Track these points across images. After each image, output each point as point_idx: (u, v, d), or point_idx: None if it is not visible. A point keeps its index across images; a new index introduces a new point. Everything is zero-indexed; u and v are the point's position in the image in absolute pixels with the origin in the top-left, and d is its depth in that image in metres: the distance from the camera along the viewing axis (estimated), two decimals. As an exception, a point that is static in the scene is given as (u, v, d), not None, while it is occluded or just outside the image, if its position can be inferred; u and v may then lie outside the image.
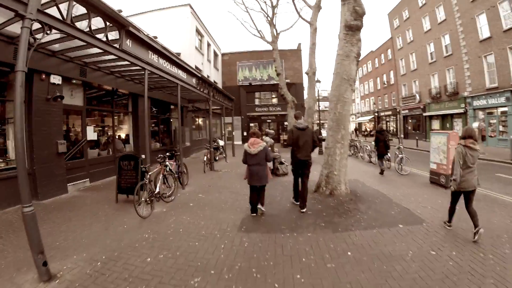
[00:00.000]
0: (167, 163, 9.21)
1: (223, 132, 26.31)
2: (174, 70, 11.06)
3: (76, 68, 10.20)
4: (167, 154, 9.66)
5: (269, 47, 24.45)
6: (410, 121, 40.49)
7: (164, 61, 10.04)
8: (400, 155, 13.23)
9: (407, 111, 39.89)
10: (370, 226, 6.19)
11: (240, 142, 35.59)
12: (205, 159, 13.98)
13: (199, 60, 27.42)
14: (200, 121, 28.23)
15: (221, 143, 19.98)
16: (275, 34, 23.65)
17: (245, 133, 36.44)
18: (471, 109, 27.12)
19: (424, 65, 34.76)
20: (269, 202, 8.08)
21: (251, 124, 37.14)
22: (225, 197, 8.99)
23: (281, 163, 12.82)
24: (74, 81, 10.60)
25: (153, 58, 9.18)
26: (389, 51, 44.95)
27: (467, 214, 5.61)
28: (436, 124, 33.80)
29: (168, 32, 23.68)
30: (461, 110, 28.31)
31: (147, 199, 7.39)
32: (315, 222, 6.52)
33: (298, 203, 7.63)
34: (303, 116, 10.89)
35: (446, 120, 31.51)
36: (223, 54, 37.86)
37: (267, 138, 12.37)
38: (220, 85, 35.69)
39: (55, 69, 9.29)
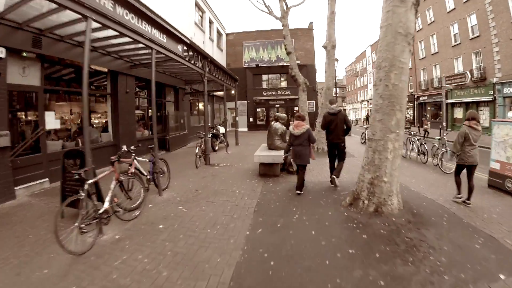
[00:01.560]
0: (135, 161, 6.75)
1: (227, 117, 23.68)
2: (145, 27, 7.53)
3: (27, 38, 7.72)
4: (133, 148, 7.05)
5: (278, 26, 22.11)
6: (429, 108, 37.69)
7: (126, 11, 6.57)
8: (443, 149, 10.68)
9: (425, 97, 37.09)
10: (459, 282, 3.57)
11: (246, 129, 33.14)
12: (197, 151, 11.40)
13: (199, 37, 24.75)
14: (201, 105, 25.77)
15: (222, 130, 17.52)
16: (285, 9, 20.86)
17: (251, 119, 33.92)
18: (500, 97, 24.53)
19: (447, 48, 31.76)
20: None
21: (258, 110, 34.59)
22: (215, 213, 6.18)
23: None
24: (25, 54, 8.06)
25: (106, 3, 5.89)
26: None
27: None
28: (458, 113, 31.25)
29: (162, 4, 21.02)
30: (489, 98, 25.74)
31: (84, 223, 4.53)
32: (365, 274, 3.73)
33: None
34: (334, 102, 9.03)
35: (470, 108, 28.49)
36: (227, 34, 35.07)
37: (278, 125, 10.01)
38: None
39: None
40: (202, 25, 25.96)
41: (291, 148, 7.71)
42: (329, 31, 15.12)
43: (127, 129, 12.70)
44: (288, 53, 22.18)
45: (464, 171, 6.67)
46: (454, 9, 30.10)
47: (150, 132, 15.63)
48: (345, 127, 8.12)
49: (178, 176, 9.52)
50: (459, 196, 6.71)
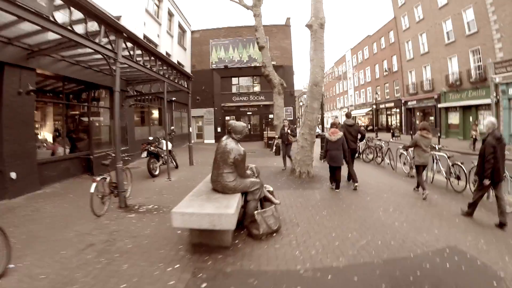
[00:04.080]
0: None
1: (174, 129, 19.18)
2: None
3: None
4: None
5: (250, 22, 17.99)
6: (418, 114, 34.29)
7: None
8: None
9: (414, 102, 33.72)
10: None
11: (213, 141, 28.62)
12: (92, 190, 6.35)
13: (154, 29, 20.52)
14: (156, 113, 21.40)
15: (169, 146, 12.31)
16: (258, -4, 17.32)
17: (219, 129, 29.33)
18: (505, 99, 21.44)
19: (439, 47, 28.67)
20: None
21: (227, 118, 29.72)
22: None
23: (264, 200, 5.94)
24: None
25: None
26: (391, 33, 38.48)
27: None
28: (454, 118, 28.11)
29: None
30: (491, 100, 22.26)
31: None
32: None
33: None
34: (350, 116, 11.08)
35: (468, 112, 25.70)
36: (193, 32, 30.69)
37: (230, 144, 5.27)
38: (188, 69, 28.55)
39: None
40: (158, 16, 21.77)
41: (327, 152, 8.63)
42: (316, 4, 10.39)
43: (19, 147, 8.46)
44: (261, 48, 18.41)
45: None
46: (447, 4, 27.24)
47: (67, 149, 11.28)
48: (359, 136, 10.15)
49: (44, 243, 4.98)
50: (417, 189, 8.31)
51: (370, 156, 14.49)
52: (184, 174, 11.72)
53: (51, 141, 11.03)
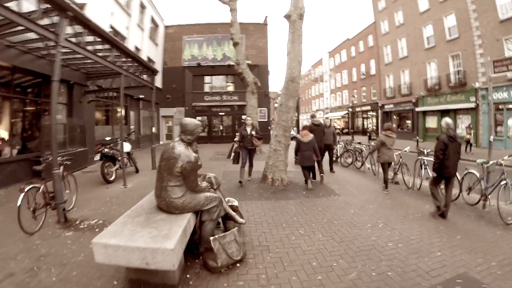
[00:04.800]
0: None
1: (133, 129, 17.90)
2: None
3: None
4: None
5: (226, 19, 16.98)
6: (394, 117, 33.89)
7: None
8: (505, 180, 6.13)
9: (391, 105, 33.36)
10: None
11: (184, 142, 27.19)
12: (19, 202, 4.98)
13: (122, 21, 19.15)
14: (119, 110, 19.91)
15: (126, 148, 10.90)
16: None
17: (189, 129, 27.81)
18: (485, 103, 21.42)
19: (418, 52, 28.56)
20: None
21: (199, 118, 28.40)
22: None
23: (226, 219, 4.93)
24: None
25: None
26: (370, 37, 38.13)
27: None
28: (432, 122, 28.01)
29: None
30: (471, 105, 22.82)
31: None
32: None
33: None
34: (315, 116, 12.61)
35: (447, 116, 24.77)
36: (167, 27, 29.20)
37: (179, 148, 4.01)
38: (159, 66, 27.20)
39: None
40: (128, 7, 20.33)
41: (299, 153, 9.29)
42: (296, -8, 9.47)
43: None
44: (235, 44, 17.32)
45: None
46: (428, 9, 27.23)
47: (15, 150, 10.07)
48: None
49: None
50: (387, 191, 8.54)
51: (349, 160, 13.52)
52: (144, 179, 10.33)
53: (-1, 140, 9.73)
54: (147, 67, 12.65)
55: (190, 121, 4.29)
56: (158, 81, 26.91)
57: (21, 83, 10.90)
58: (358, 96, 42.08)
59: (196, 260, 4.10)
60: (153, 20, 26.08)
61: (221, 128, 29.52)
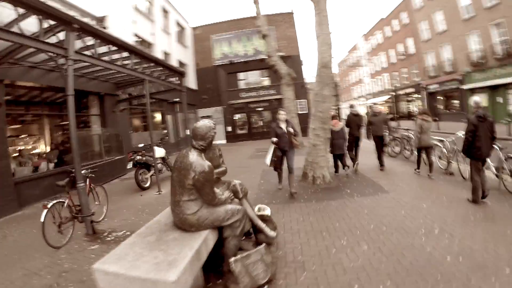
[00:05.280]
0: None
1: (167, 133, 17.94)
2: None
3: None
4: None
5: (251, 13, 16.53)
6: (440, 98, 31.89)
7: None
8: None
9: (436, 85, 31.20)
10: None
11: (224, 141, 27.05)
12: (43, 218, 5.13)
13: (146, 28, 19.03)
14: (158, 116, 19.95)
15: (160, 153, 10.79)
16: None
17: (229, 128, 27.70)
18: None
19: (457, 24, 26.37)
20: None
21: (237, 116, 28.18)
22: None
23: (255, 232, 4.48)
24: None
25: None
26: (403, 14, 36.16)
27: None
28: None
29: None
30: None
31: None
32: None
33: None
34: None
35: (497, 92, 23.26)
36: (194, 28, 28.98)
37: (193, 156, 3.58)
38: (191, 68, 27.22)
39: None
40: (150, 14, 20.25)
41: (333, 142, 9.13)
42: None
43: None
44: (264, 37, 16.79)
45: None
46: None
47: (53, 165, 10.41)
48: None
49: None
50: (418, 170, 8.93)
51: (397, 149, 12.42)
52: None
53: (36, 156, 10.29)
54: (173, 70, 12.32)
55: (201, 124, 3.80)
56: (193, 83, 26.98)
57: (54, 99, 11.35)
58: (399, 78, 40.03)
59: (220, 280, 3.65)
60: (178, 24, 25.95)
61: (261, 124, 28.81)
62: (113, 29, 14.03)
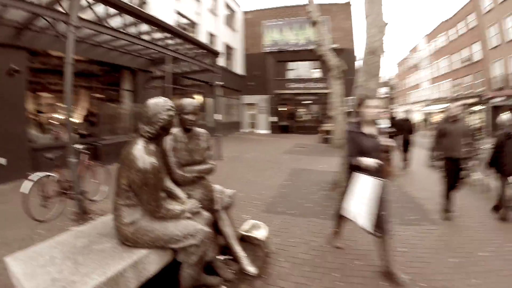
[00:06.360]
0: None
1: (219, 116, 17.76)
2: None
3: None
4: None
5: (305, 0, 15.46)
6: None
7: None
8: None
9: (502, 98, 28.00)
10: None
11: (266, 131, 26.45)
12: (42, 189, 5.51)
13: (190, 6, 18.62)
14: (197, 98, 19.58)
15: None
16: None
17: (273, 119, 27.04)
18: None
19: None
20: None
21: (283, 107, 27.42)
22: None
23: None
24: None
25: None
26: (469, 17, 33.03)
27: None
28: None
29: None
30: None
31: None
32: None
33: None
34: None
35: None
36: (246, 13, 28.39)
37: (136, 149, 3.28)
38: (240, 52, 26.88)
39: None
40: (196, -9, 19.82)
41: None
42: None
43: (6, 131, 8.09)
44: (314, 24, 15.54)
45: None
46: None
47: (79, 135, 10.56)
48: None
49: None
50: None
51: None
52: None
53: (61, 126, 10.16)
54: (206, 49, 11.68)
55: (150, 102, 2.71)
56: (240, 68, 26.55)
57: (85, 71, 11.43)
58: (460, 86, 37.00)
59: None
60: (228, 6, 25.42)
61: (307, 118, 27.71)
62: (153, 5, 13.66)
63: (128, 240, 2.61)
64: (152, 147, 2.65)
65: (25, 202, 4.99)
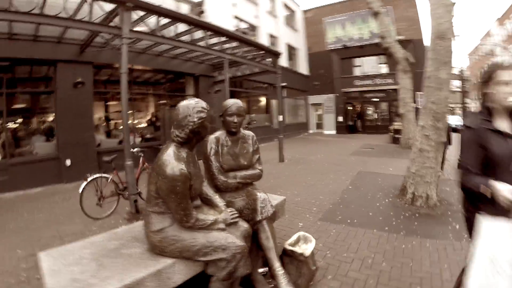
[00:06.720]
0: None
1: (253, 118, 17.64)
2: None
3: None
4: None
5: None
6: None
7: None
8: None
9: None
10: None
11: (334, 131, 25.79)
12: (98, 189, 5.98)
13: (249, 10, 18.70)
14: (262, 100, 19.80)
15: None
16: None
17: (340, 118, 26.12)
18: None
19: None
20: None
21: (350, 106, 26.66)
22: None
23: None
24: None
25: None
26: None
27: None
28: None
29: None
30: None
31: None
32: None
33: None
34: None
35: None
36: (305, 11, 27.84)
37: (166, 155, 2.52)
38: (303, 52, 26.76)
39: None
40: (253, -4, 20.00)
41: None
42: None
43: (76, 136, 9.23)
44: (376, 15, 14.87)
45: None
46: None
47: (140, 139, 12.12)
48: None
49: None
50: None
51: None
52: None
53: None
54: (265, 50, 11.62)
55: (181, 104, 2.50)
56: (304, 68, 26.37)
57: (155, 80, 13.19)
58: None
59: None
60: (287, 6, 25.14)
61: (376, 116, 26.46)
62: (211, 12, 13.94)
63: (155, 247, 2.43)
64: (183, 152, 2.45)
65: (79, 200, 5.50)
